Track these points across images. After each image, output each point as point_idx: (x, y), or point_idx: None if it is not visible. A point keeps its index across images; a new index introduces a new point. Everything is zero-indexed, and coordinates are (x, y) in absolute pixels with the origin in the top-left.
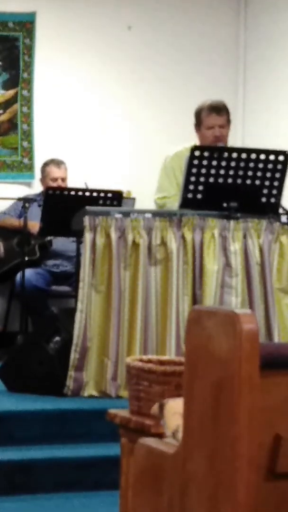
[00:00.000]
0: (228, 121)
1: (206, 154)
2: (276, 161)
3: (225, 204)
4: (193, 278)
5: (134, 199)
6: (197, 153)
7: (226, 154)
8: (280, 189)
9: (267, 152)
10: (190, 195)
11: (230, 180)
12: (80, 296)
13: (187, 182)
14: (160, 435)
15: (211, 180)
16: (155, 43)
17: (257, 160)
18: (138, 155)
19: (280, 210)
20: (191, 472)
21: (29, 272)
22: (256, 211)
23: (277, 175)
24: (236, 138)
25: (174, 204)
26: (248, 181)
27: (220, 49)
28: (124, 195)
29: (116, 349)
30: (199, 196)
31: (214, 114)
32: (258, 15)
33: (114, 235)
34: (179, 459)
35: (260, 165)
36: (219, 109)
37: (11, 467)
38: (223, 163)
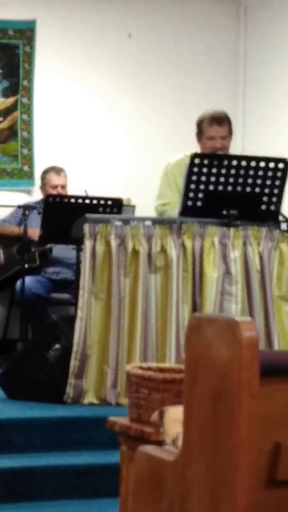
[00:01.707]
0: (230, 132)
1: (206, 161)
2: (276, 169)
3: (225, 212)
4: (193, 286)
5: (134, 206)
6: (197, 160)
7: (226, 162)
8: (280, 196)
9: (267, 160)
10: (190, 203)
11: (230, 188)
12: (80, 304)
13: (187, 189)
14: (160, 443)
15: (211, 187)
16: (155, 51)
17: (257, 167)
18: (138, 162)
19: (280, 218)
20: (191, 479)
21: (29, 280)
22: (256, 218)
23: (277, 182)
24: (236, 146)
25: (174, 210)
26: (248, 189)
27: (220, 57)
28: (124, 202)
29: (116, 357)
30: (199, 203)
31: (215, 125)
32: (258, 22)
33: (114, 243)
34: (179, 466)
35: (260, 173)
36: (221, 120)
37: (11, 474)
38: (223, 171)
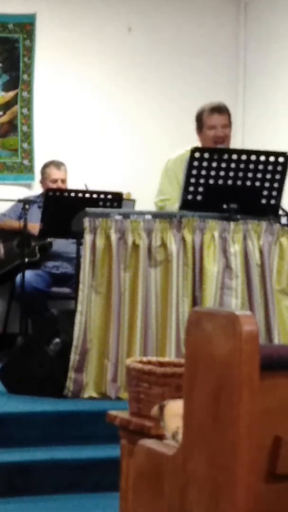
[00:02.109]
0: (230, 123)
1: (206, 155)
2: (276, 163)
3: (225, 206)
4: (193, 280)
5: (134, 200)
6: (197, 154)
7: (226, 156)
8: (280, 190)
9: (267, 154)
10: (190, 197)
11: (230, 182)
12: (80, 298)
13: (187, 183)
14: (160, 437)
15: (211, 181)
16: (155, 45)
17: (257, 161)
18: (138, 156)
19: (280, 212)
20: (191, 473)
21: (29, 274)
22: (256, 212)
23: (277, 176)
24: (236, 140)
25: (173, 206)
26: (248, 183)
27: (220, 51)
28: (124, 196)
29: (116, 351)
30: (199, 197)
31: (216, 114)
32: (258, 17)
33: (114, 237)
34: (179, 460)
35: (260, 167)
36: (221, 109)
37: (11, 469)
38: (223, 165)
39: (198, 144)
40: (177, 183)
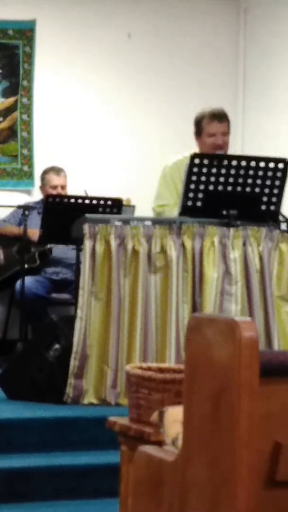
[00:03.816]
0: (229, 129)
1: (205, 161)
2: (275, 169)
3: (224, 212)
4: (192, 286)
5: (133, 206)
6: (196, 160)
7: (225, 162)
8: (279, 196)
9: (267, 160)
10: (189, 203)
11: (229, 188)
12: (80, 304)
13: (186, 189)
14: (159, 443)
15: (211, 187)
16: (154, 51)
17: (257, 167)
18: (138, 162)
19: (280, 218)
20: (191, 479)
21: (29, 280)
22: (256, 218)
23: (277, 182)
24: (236, 146)
25: (171, 212)
26: (248, 189)
27: (220, 57)
28: (124, 202)
29: (115, 357)
30: (198, 203)
31: (216, 122)
32: (257, 23)
33: (113, 243)
34: (179, 466)
35: (260, 173)
36: (221, 117)
37: (10, 474)
38: (223, 171)
39: (197, 150)
40: (174, 189)
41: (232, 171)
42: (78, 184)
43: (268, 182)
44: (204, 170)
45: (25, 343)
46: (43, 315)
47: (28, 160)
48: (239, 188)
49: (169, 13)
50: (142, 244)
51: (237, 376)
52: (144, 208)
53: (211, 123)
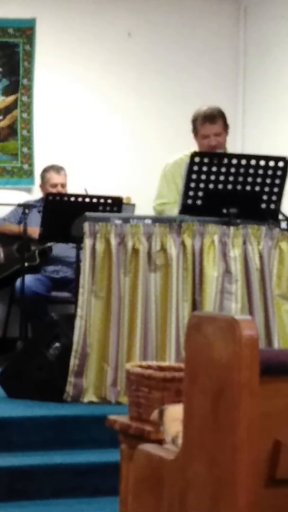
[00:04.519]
0: (225, 127)
1: (206, 160)
2: (275, 167)
3: (225, 210)
4: (193, 284)
5: (134, 205)
6: (197, 159)
7: (226, 160)
8: (279, 195)
9: (267, 158)
10: (190, 201)
11: (230, 186)
12: (80, 302)
13: (187, 188)
14: (159, 441)
15: (211, 186)
16: (154, 49)
17: (257, 166)
18: (138, 161)
19: (280, 216)
20: (190, 478)
21: (29, 278)
22: (256, 217)
23: (277, 181)
24: (236, 144)
25: (172, 210)
26: (248, 187)
27: (220, 56)
28: (124, 201)
29: (116, 355)
30: (199, 202)
31: (207, 124)
32: (258, 21)
33: (114, 241)
34: (179, 465)
35: (260, 171)
36: (213, 117)
37: (11, 473)
38: (223, 169)
39: (196, 148)
40: (175, 187)
41: (232, 170)
42: (78, 183)
43: (268, 181)
44: (204, 168)
45: (25, 342)
46: (43, 314)
47: (28, 158)
48: (239, 187)
49: (169, 12)
50: (142, 243)
51: (237, 375)
52: (144, 206)
53: (203, 125)
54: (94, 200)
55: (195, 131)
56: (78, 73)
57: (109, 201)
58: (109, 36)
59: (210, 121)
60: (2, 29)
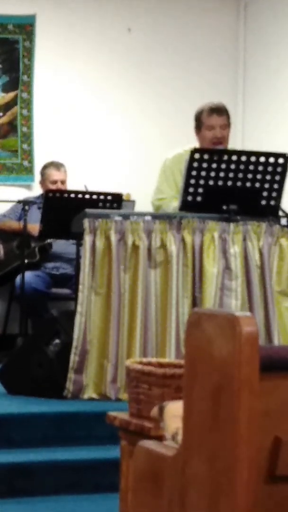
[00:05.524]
0: (229, 124)
1: (206, 156)
2: (275, 164)
3: (225, 207)
4: (193, 281)
5: (133, 201)
6: (197, 155)
7: (226, 157)
8: (279, 191)
9: (267, 155)
10: (190, 198)
11: (230, 183)
12: (80, 299)
13: (187, 184)
14: (159, 438)
15: (211, 182)
16: (154, 46)
17: (257, 162)
18: (138, 157)
19: (280, 213)
20: (190, 475)
21: (29, 275)
22: (256, 213)
23: (277, 177)
24: (236, 141)
25: (170, 205)
26: (248, 184)
27: (220, 53)
28: (124, 197)
29: (116, 352)
30: (199, 198)
31: (215, 115)
32: (258, 19)
33: (114, 238)
34: (179, 461)
35: (260, 168)
36: (220, 110)
37: (11, 470)
38: (223, 166)
39: (196, 144)
40: (174, 182)
41: (232, 166)
42: (78, 179)
43: (268, 177)
44: (204, 165)
45: (25, 338)
46: (43, 310)
47: (28, 155)
48: (239, 183)
49: (169, 8)
50: (142, 239)
51: (237, 371)
52: (144, 203)
53: (210, 116)
54: (94, 196)
55: (199, 125)
56: (78, 70)
57: (109, 197)
58: (109, 32)
59: (218, 112)
60: (2, 25)
